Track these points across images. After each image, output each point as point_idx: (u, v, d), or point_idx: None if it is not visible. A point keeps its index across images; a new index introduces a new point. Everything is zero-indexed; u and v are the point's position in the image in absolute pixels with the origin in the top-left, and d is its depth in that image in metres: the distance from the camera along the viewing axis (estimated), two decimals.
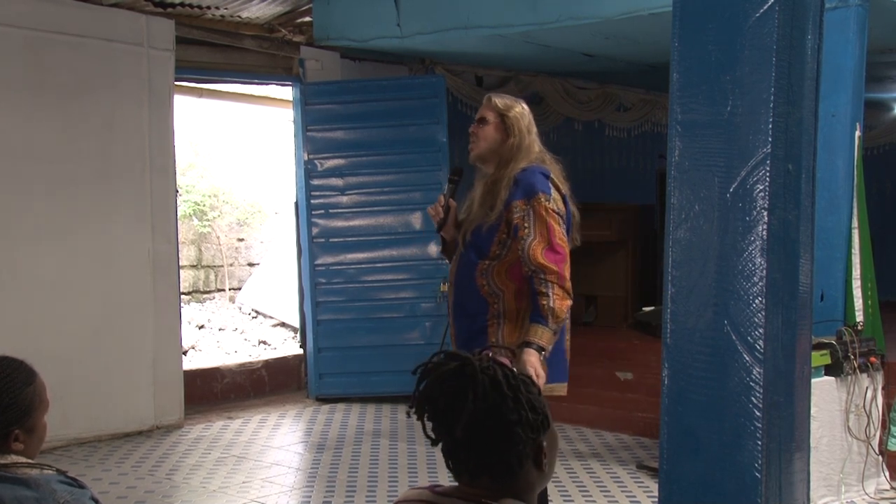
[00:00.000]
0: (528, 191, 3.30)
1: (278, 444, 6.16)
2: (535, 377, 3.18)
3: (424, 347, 6.78)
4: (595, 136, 9.54)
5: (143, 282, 6.43)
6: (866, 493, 4.94)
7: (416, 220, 7.29)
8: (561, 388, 3.40)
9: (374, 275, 7.33)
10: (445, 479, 5.15)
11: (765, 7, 1.96)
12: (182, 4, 6.54)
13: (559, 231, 3.29)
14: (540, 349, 3.22)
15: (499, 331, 3.34)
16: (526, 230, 3.27)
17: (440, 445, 1.62)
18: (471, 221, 3.41)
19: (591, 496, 5.01)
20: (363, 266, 7.36)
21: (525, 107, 3.50)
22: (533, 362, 3.19)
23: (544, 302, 3.23)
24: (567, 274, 3.28)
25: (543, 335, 3.23)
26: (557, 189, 3.38)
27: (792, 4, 1.98)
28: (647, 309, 7.54)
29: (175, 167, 6.71)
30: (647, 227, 8.51)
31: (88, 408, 6.10)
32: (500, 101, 3.48)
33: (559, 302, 3.24)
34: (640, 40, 6.70)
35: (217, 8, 6.72)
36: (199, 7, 6.65)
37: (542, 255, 3.25)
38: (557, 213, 3.31)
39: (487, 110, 3.46)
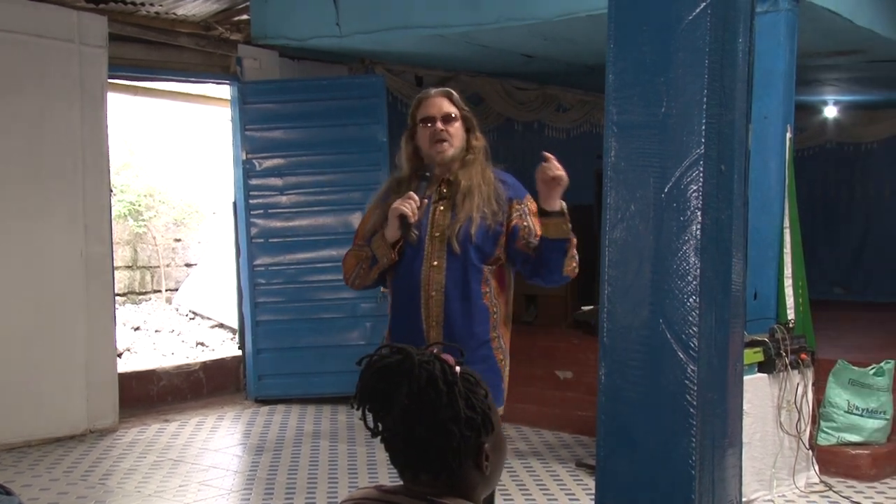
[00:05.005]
0: (518, 191, 3.20)
1: (216, 446, 6.08)
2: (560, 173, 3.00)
3: (365, 348, 6.69)
4: (535, 137, 9.59)
5: (76, 283, 6.29)
6: (797, 487, 5.06)
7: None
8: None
9: (314, 275, 7.28)
10: (386, 481, 5.14)
11: (697, 10, 1.99)
12: (115, 0, 6.41)
13: None
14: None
15: (500, 342, 3.20)
16: (526, 228, 3.14)
17: (383, 444, 1.63)
18: (456, 223, 3.10)
19: (530, 494, 5.05)
20: (303, 266, 7.31)
21: None
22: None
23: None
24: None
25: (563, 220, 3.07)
26: None
27: (723, 8, 2.01)
28: (585, 308, 7.61)
29: (109, 166, 6.59)
30: (586, 227, 8.59)
31: (18, 412, 5.95)
32: (458, 96, 3.21)
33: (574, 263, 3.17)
34: (577, 42, 6.77)
35: (151, 4, 6.60)
36: (133, 3, 6.53)
37: None
38: None
39: (451, 105, 3.16)
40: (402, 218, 3.06)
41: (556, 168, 2.98)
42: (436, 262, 3.12)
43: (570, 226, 3.09)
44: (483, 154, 3.20)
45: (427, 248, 3.13)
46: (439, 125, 3.13)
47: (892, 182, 10.88)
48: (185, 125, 9.86)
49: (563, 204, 3.07)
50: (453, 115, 3.15)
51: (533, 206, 3.15)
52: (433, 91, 3.22)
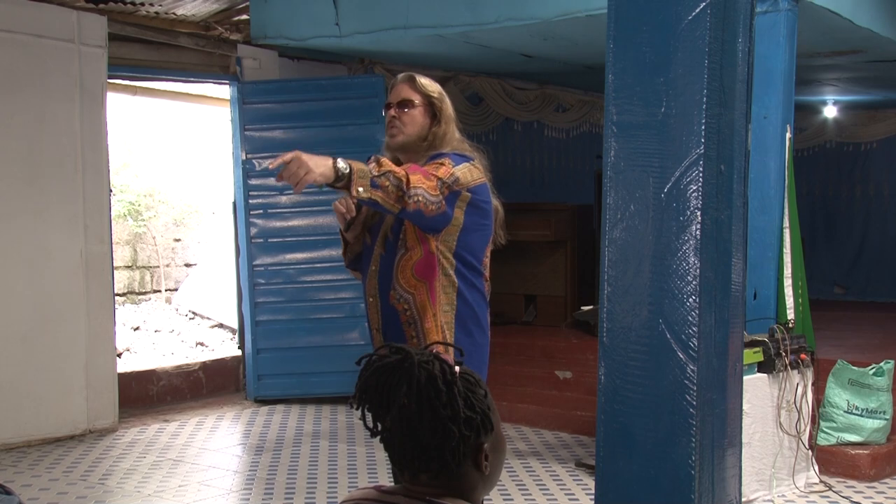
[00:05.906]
0: (434, 158, 2.98)
1: (215, 446, 6.08)
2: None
3: (364, 348, 6.74)
4: (534, 137, 9.60)
5: (76, 283, 6.29)
6: (797, 487, 5.06)
7: None
8: None
9: (314, 275, 7.28)
10: (386, 481, 5.15)
11: (696, 10, 1.99)
12: (115, 0, 6.41)
13: (444, 173, 2.87)
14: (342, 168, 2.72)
15: (420, 338, 2.88)
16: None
17: (382, 443, 1.63)
18: (384, 223, 2.98)
19: (530, 494, 5.04)
20: (302, 266, 7.31)
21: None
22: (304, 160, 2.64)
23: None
24: (415, 182, 2.78)
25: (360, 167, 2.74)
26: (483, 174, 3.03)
27: (723, 8, 2.01)
28: (585, 308, 7.61)
29: (108, 166, 6.58)
30: (586, 227, 8.60)
31: (18, 412, 5.95)
32: (424, 80, 3.08)
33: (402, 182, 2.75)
34: (577, 41, 6.76)
35: (151, 4, 6.60)
36: (133, 3, 6.53)
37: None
38: (456, 183, 2.88)
39: (411, 92, 3.03)
40: (343, 215, 2.98)
41: (277, 165, 2.69)
42: (374, 267, 3.00)
43: (359, 188, 2.72)
44: (442, 141, 3.02)
45: (375, 252, 3.00)
46: (392, 112, 3.04)
47: (892, 182, 10.89)
48: (185, 125, 9.85)
49: (338, 167, 2.72)
50: (412, 102, 3.02)
51: (442, 161, 2.90)
52: (400, 77, 3.12)
